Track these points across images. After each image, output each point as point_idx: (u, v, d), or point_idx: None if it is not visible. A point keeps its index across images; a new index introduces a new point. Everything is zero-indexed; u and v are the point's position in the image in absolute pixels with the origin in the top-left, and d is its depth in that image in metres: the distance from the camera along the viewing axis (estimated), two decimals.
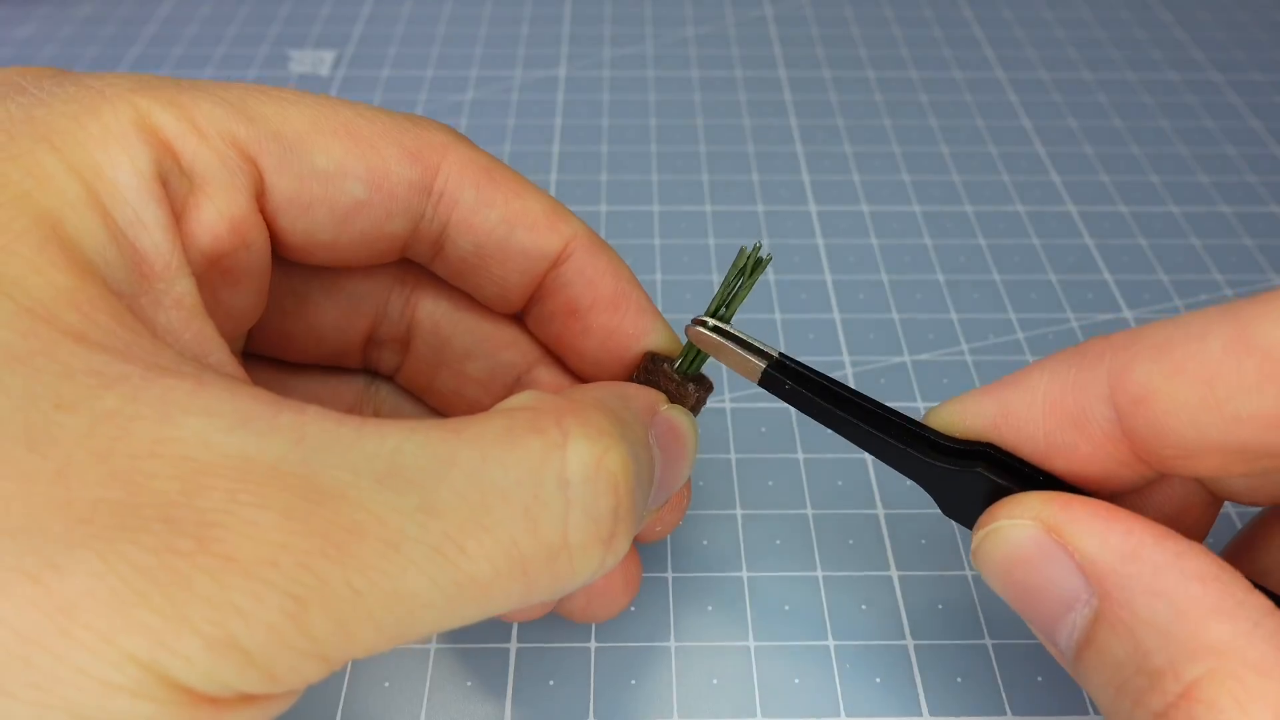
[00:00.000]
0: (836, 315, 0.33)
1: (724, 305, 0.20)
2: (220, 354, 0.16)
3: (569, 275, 0.21)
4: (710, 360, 0.21)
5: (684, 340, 0.21)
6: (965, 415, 0.19)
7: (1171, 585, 0.15)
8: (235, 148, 0.17)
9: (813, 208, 0.38)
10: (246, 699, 0.12)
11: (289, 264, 0.21)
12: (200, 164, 0.17)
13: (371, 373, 0.24)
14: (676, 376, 0.21)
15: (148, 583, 0.11)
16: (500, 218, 0.20)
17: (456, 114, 0.42)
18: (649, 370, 0.21)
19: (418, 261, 0.21)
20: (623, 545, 0.16)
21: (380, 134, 0.19)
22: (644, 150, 0.40)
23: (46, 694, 0.11)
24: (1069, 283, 0.34)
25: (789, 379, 0.20)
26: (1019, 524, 0.17)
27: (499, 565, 0.14)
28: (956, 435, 0.19)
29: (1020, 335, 0.32)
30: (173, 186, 0.16)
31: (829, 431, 0.29)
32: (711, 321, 0.20)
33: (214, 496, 0.12)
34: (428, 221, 0.20)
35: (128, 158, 0.15)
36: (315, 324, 0.22)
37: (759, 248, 0.20)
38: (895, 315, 0.33)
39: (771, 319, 0.33)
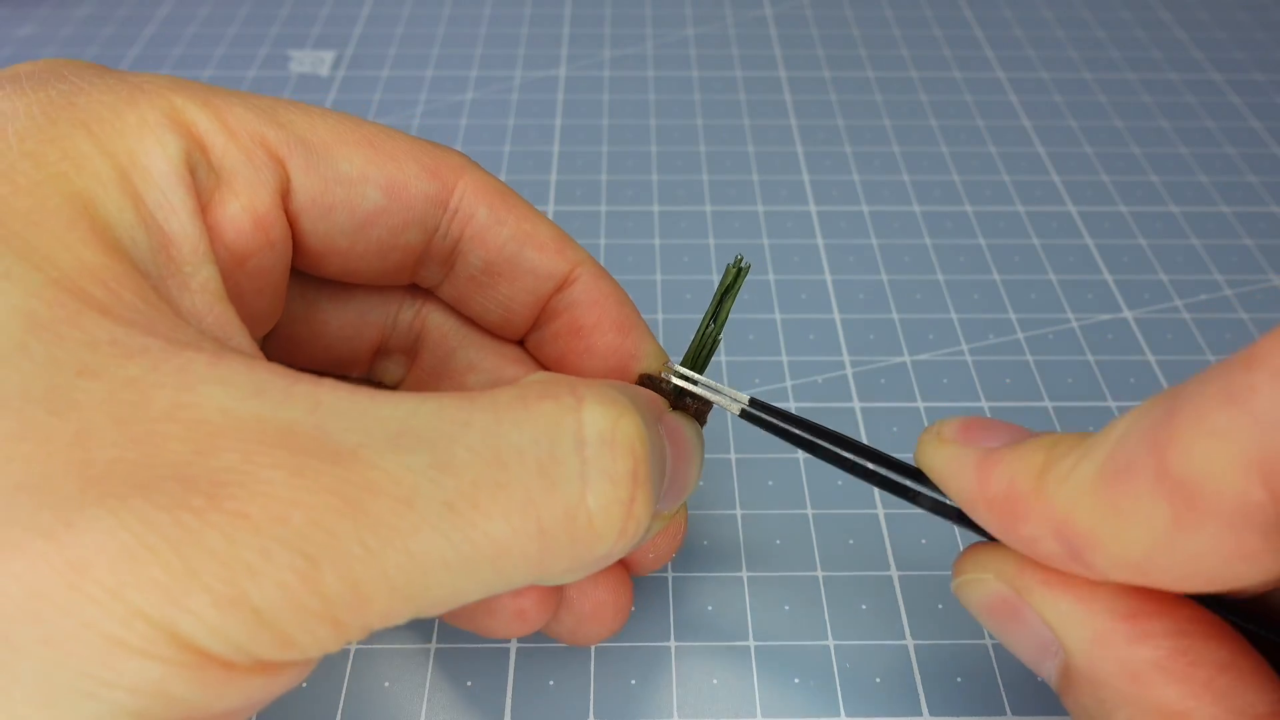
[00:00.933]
0: (836, 315, 0.33)
1: (700, 351, 0.21)
2: (241, 338, 0.16)
3: (576, 295, 0.21)
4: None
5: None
6: (949, 481, 0.17)
7: (1123, 649, 0.15)
8: (264, 147, 0.18)
9: (813, 208, 0.38)
10: (259, 665, 0.12)
11: (298, 276, 0.21)
12: (229, 160, 0.17)
13: (376, 382, 0.24)
14: (671, 389, 0.21)
15: (159, 538, 0.12)
16: (511, 235, 0.20)
17: (456, 114, 0.42)
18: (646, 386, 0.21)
19: (425, 286, 0.22)
20: (643, 513, 0.15)
21: (400, 149, 0.19)
22: (644, 150, 0.40)
23: (55, 650, 0.11)
24: (1069, 283, 0.34)
25: (772, 414, 0.20)
26: (983, 578, 0.17)
27: (515, 524, 0.14)
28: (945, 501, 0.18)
29: (1020, 335, 0.32)
30: (200, 179, 0.17)
31: None
32: (675, 380, 0.20)
33: (228, 457, 0.12)
34: (441, 236, 0.20)
35: (160, 146, 0.16)
36: (324, 332, 0.22)
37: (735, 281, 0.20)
38: (895, 315, 0.33)
39: (771, 319, 0.33)
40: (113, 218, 0.15)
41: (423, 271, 0.21)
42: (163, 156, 0.16)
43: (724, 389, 0.20)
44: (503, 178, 0.39)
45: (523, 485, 0.14)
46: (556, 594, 0.21)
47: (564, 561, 0.15)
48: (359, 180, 0.19)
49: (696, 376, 0.20)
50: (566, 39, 0.48)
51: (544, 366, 0.23)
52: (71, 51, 0.45)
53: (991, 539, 0.17)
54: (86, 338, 0.13)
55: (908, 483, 0.18)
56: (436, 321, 0.23)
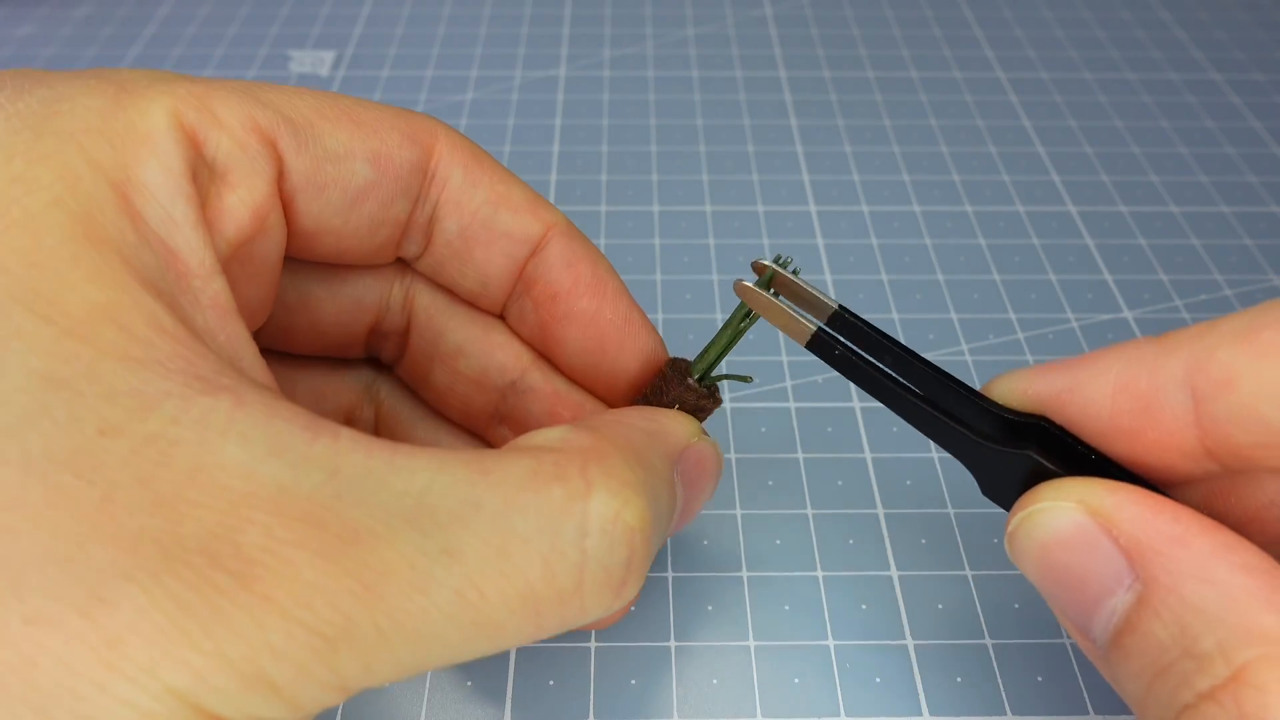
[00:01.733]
0: None
1: (712, 357, 0.21)
2: (250, 356, 0.16)
3: (550, 259, 0.21)
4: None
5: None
6: (1030, 385, 0.18)
7: (1221, 573, 0.15)
8: (256, 132, 0.17)
9: (813, 208, 0.38)
10: None
11: (289, 263, 0.21)
12: (222, 154, 0.17)
13: (375, 363, 0.24)
14: (698, 389, 0.21)
15: (189, 619, 0.12)
16: (485, 198, 0.20)
17: (456, 114, 0.42)
18: (668, 380, 0.21)
19: (407, 259, 0.21)
20: (633, 591, 0.16)
21: (378, 119, 0.19)
22: (644, 150, 0.40)
23: None
24: (1069, 283, 0.34)
25: (840, 345, 0.19)
26: (1061, 505, 0.17)
27: (514, 608, 0.14)
28: (1014, 405, 0.19)
29: (1020, 335, 0.32)
30: (199, 180, 0.16)
31: (829, 431, 0.29)
32: (771, 267, 0.20)
33: (252, 531, 0.13)
34: (423, 203, 0.20)
35: (155, 155, 0.15)
36: (318, 320, 0.22)
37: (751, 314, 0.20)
38: (895, 315, 0.33)
39: None
40: (115, 241, 0.14)
41: (406, 243, 0.21)
42: (159, 167, 0.15)
43: (815, 290, 0.20)
44: None
45: (524, 575, 0.15)
46: None
47: (552, 630, 0.16)
48: (347, 156, 0.19)
49: (789, 275, 0.20)
50: (566, 39, 0.48)
51: (527, 343, 0.22)
52: (71, 52, 0.45)
53: (1072, 473, 0.17)
54: (105, 390, 0.13)
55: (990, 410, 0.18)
56: (424, 303, 0.23)
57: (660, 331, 0.32)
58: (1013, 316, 0.33)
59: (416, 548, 0.14)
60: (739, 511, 0.27)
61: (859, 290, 0.34)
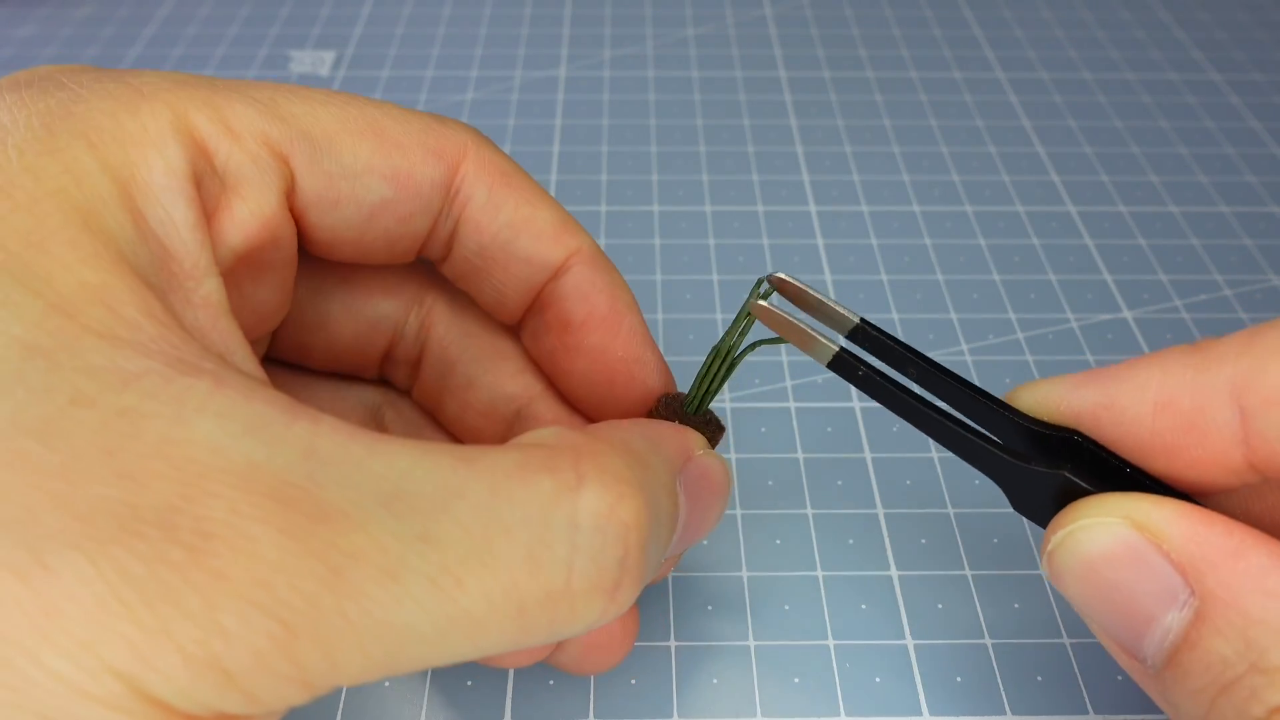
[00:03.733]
0: None
1: (705, 390, 0.20)
2: (242, 354, 0.16)
3: (566, 288, 0.20)
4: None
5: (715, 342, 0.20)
6: (1062, 400, 0.18)
7: None
8: (268, 146, 0.17)
9: (813, 208, 0.38)
10: (222, 717, 0.12)
11: (308, 280, 0.21)
12: (233, 164, 0.17)
13: (390, 386, 0.24)
14: (691, 419, 0.20)
15: (134, 593, 0.11)
16: (507, 221, 0.20)
17: (457, 114, 0.42)
18: (660, 414, 0.21)
19: (428, 258, 0.21)
20: (628, 596, 0.15)
21: (406, 133, 0.19)
22: (644, 150, 0.40)
23: (19, 695, 0.11)
24: (1069, 283, 0.34)
25: (863, 365, 0.18)
26: (1106, 521, 0.16)
27: (495, 603, 0.14)
28: (1046, 418, 0.18)
29: (1020, 335, 0.32)
30: (206, 187, 0.16)
31: (829, 430, 0.29)
32: (790, 280, 0.19)
33: (214, 505, 0.12)
34: (444, 218, 0.20)
35: (162, 158, 0.16)
36: (333, 339, 0.22)
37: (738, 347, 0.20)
38: (895, 315, 0.33)
39: None
40: (114, 233, 0.15)
41: (428, 250, 0.21)
42: (164, 169, 0.16)
43: (836, 304, 0.19)
44: None
45: (507, 567, 0.14)
46: None
47: (541, 636, 0.15)
48: (364, 172, 0.18)
49: (805, 287, 0.19)
50: (566, 39, 0.48)
51: (539, 364, 0.22)
52: (71, 52, 0.45)
53: (1103, 490, 0.17)
54: (83, 364, 0.13)
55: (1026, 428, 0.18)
56: (439, 334, 0.22)
57: (660, 332, 0.32)
58: (1013, 316, 0.33)
59: (390, 531, 0.13)
60: (739, 511, 0.27)
61: (859, 290, 0.34)
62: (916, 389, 0.19)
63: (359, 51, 0.46)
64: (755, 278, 0.34)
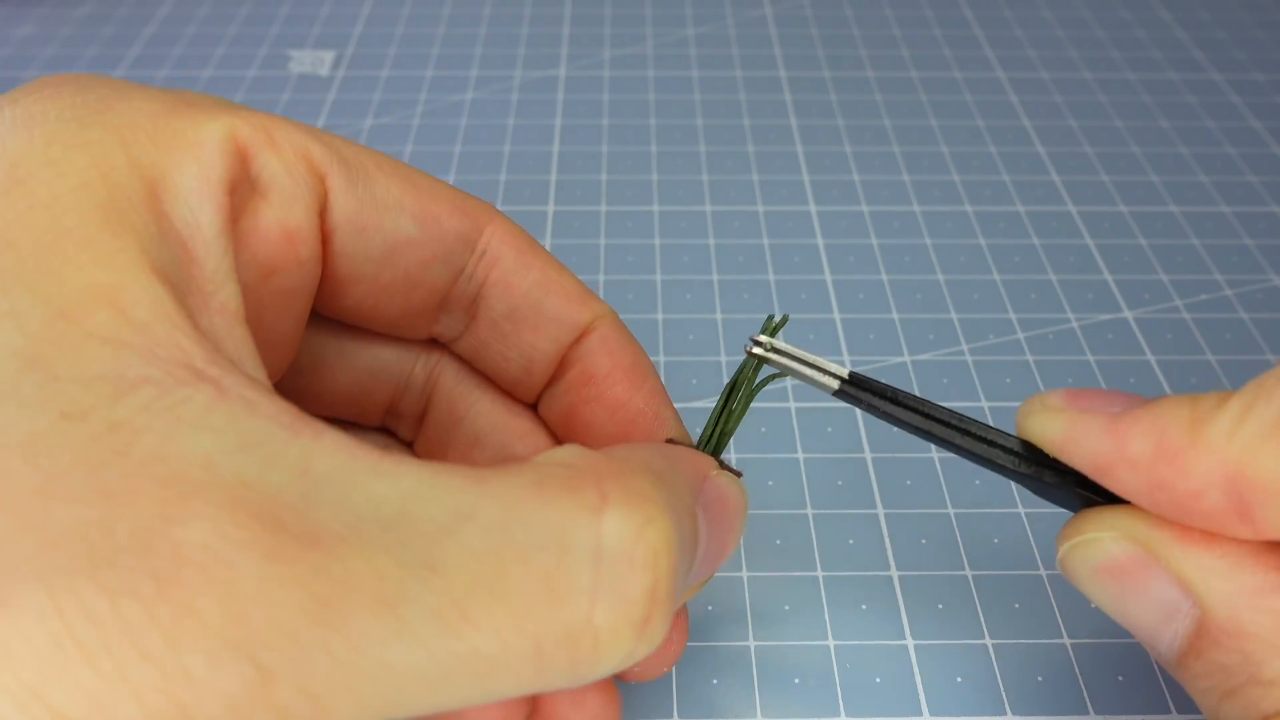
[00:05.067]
0: (836, 315, 0.33)
1: (716, 434, 0.20)
2: (253, 364, 0.15)
3: (593, 345, 0.20)
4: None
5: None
6: (1062, 447, 0.17)
7: (1276, 601, 0.15)
8: (306, 161, 0.17)
9: (813, 208, 0.38)
10: None
11: (313, 325, 0.21)
12: (269, 171, 0.17)
13: (392, 434, 0.23)
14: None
15: (93, 632, 0.10)
16: (537, 281, 0.20)
17: (456, 114, 0.42)
18: None
19: (445, 338, 0.21)
20: (658, 632, 0.14)
21: (434, 186, 0.19)
22: (644, 150, 0.40)
23: None
24: (1069, 283, 0.34)
25: (869, 391, 0.19)
26: (1105, 537, 0.16)
27: (508, 640, 0.12)
28: (1053, 456, 0.18)
29: (1020, 335, 0.32)
30: (238, 193, 0.16)
31: (829, 430, 0.29)
32: (768, 341, 0.19)
33: (196, 527, 0.11)
34: (466, 279, 0.20)
35: (195, 161, 0.15)
36: (334, 387, 0.22)
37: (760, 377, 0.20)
38: (895, 315, 0.33)
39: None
40: (135, 231, 0.14)
41: (445, 320, 0.20)
42: (196, 172, 0.15)
43: (818, 362, 0.19)
44: (502, 178, 0.39)
45: (523, 598, 0.12)
46: (525, 706, 0.19)
47: (560, 679, 0.13)
48: (395, 206, 0.18)
49: (786, 347, 0.19)
50: (566, 39, 0.48)
51: (552, 431, 0.22)
52: (71, 52, 0.45)
53: (1114, 502, 0.17)
54: (81, 373, 0.12)
55: (1008, 456, 0.18)
56: (447, 387, 0.22)
57: (660, 333, 0.32)
58: (1013, 316, 0.33)
59: (390, 557, 0.12)
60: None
61: (859, 290, 0.34)
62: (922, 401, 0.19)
63: (359, 51, 0.46)
64: (755, 278, 0.34)
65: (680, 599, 0.16)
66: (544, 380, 0.21)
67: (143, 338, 0.13)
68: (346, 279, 0.19)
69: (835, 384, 0.19)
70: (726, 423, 0.20)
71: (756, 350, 0.19)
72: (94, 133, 0.15)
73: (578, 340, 0.20)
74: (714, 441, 0.20)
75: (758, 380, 0.20)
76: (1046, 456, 0.18)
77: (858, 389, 0.19)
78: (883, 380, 0.20)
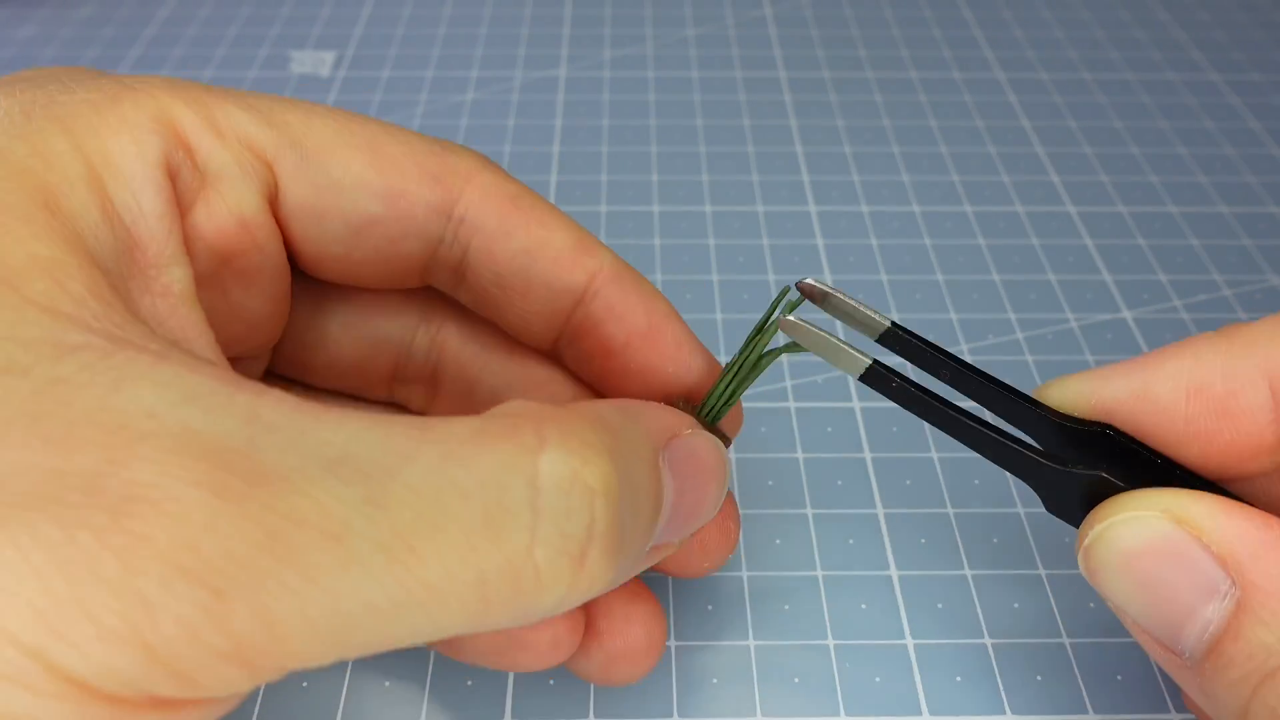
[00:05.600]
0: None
1: (719, 400, 0.19)
2: (203, 343, 0.16)
3: (598, 313, 0.20)
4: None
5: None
6: (1094, 393, 0.18)
7: None
8: (251, 150, 0.17)
9: (813, 208, 0.38)
10: (155, 701, 0.11)
11: (307, 296, 0.21)
12: (215, 161, 0.17)
13: (401, 408, 0.23)
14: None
15: (48, 560, 0.10)
16: (521, 248, 0.19)
17: (456, 114, 0.42)
18: None
19: (441, 289, 0.21)
20: (599, 570, 0.14)
21: (404, 154, 0.18)
22: (644, 150, 0.40)
23: None
24: (1069, 283, 0.34)
25: (897, 377, 0.18)
26: (1145, 515, 0.16)
27: (452, 571, 0.13)
28: (1078, 413, 0.18)
29: (1020, 335, 0.32)
30: (183, 180, 0.16)
31: (828, 431, 0.29)
32: (816, 284, 0.18)
33: (144, 468, 0.11)
34: (447, 246, 0.19)
35: (137, 146, 0.16)
36: (334, 357, 0.22)
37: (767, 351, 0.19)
38: (895, 315, 0.33)
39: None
40: (75, 214, 0.15)
41: (435, 277, 0.20)
42: (138, 156, 0.16)
43: (868, 308, 0.18)
44: None
45: (465, 533, 0.13)
46: (582, 619, 0.20)
47: (507, 613, 0.14)
48: (353, 187, 0.18)
49: (836, 293, 0.18)
50: (566, 39, 0.48)
51: (585, 384, 0.21)
52: (71, 52, 0.45)
53: (1137, 487, 0.17)
54: (21, 335, 0.12)
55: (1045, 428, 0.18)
56: (454, 350, 0.22)
57: None
58: (1012, 316, 0.33)
59: (334, 494, 0.12)
60: (740, 511, 0.27)
61: (859, 290, 0.34)
62: (947, 394, 0.19)
63: (359, 52, 0.46)
64: (755, 278, 0.34)
65: (640, 549, 0.16)
66: (549, 339, 0.20)
67: (80, 310, 0.13)
68: (315, 260, 0.19)
69: (867, 362, 0.18)
70: (727, 391, 0.19)
71: (790, 316, 0.18)
72: (37, 123, 0.15)
73: (579, 304, 0.20)
74: (710, 404, 0.20)
75: (769, 349, 0.19)
76: (1084, 434, 0.18)
77: (895, 347, 0.18)
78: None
